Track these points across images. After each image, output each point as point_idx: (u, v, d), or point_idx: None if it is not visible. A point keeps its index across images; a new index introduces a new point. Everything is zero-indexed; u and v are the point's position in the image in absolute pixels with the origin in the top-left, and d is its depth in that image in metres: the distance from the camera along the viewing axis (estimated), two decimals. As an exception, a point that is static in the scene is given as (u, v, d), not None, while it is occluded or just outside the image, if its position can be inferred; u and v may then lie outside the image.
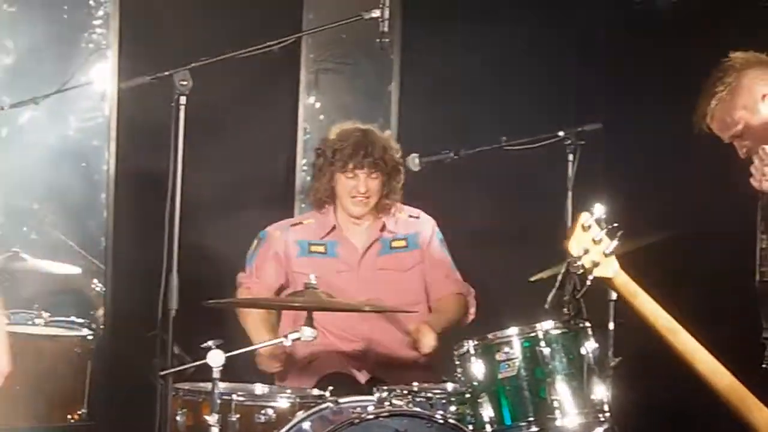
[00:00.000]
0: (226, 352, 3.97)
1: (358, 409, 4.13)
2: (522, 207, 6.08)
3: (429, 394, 4.29)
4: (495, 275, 5.85)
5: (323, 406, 4.21)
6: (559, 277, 3.95)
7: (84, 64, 5.92)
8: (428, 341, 4.93)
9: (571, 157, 4.89)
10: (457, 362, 4.35)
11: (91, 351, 5.31)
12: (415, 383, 4.31)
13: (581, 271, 3.67)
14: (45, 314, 5.35)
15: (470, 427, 4.18)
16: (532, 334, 4.24)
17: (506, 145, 5.06)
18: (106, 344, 5.65)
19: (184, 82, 4.21)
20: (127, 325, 5.62)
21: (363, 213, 5.13)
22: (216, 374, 3.96)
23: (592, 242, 3.65)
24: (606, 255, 3.68)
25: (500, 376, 4.24)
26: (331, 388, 4.34)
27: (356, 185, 5.07)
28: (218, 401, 3.99)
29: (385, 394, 4.19)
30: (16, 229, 5.91)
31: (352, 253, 5.15)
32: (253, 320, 5.03)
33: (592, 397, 4.16)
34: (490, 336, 4.29)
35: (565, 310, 4.06)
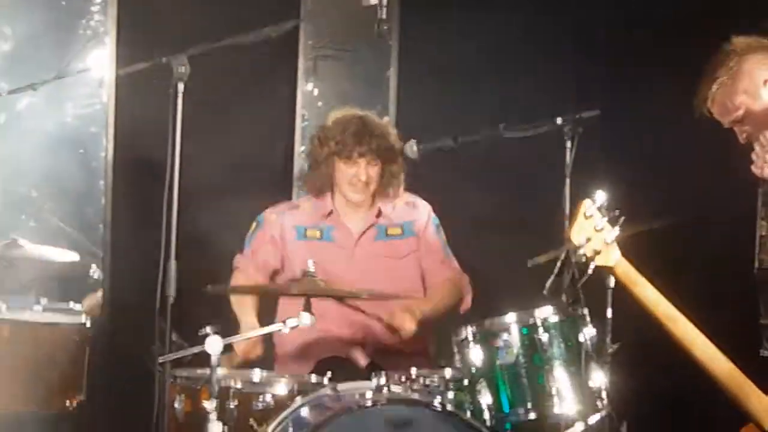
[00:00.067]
0: (224, 338, 3.97)
1: (357, 396, 4.13)
2: (520, 194, 6.08)
3: (427, 381, 4.29)
4: (493, 262, 5.85)
5: (321, 392, 4.22)
6: (558, 264, 3.95)
7: (82, 51, 5.91)
8: (406, 325, 4.90)
9: (569, 144, 4.88)
10: (456, 349, 4.36)
11: (89, 338, 5.31)
12: (414, 370, 4.31)
13: (583, 259, 3.68)
14: (43, 301, 5.35)
15: (468, 413, 4.18)
16: (531, 321, 4.25)
17: (504, 132, 5.05)
18: (105, 331, 5.65)
19: (182, 69, 4.21)
20: (125, 311, 5.62)
21: (362, 200, 5.13)
22: (214, 361, 3.96)
23: (593, 230, 3.66)
24: (608, 243, 3.69)
25: (498, 362, 4.25)
26: (329, 373, 4.34)
27: (357, 173, 5.07)
28: (216, 388, 3.99)
29: (383, 381, 4.19)
30: (14, 216, 5.91)
31: (347, 237, 5.15)
32: (241, 301, 5.01)
33: (590, 383, 4.17)
34: (488, 323, 4.29)
35: (564, 297, 4.07)
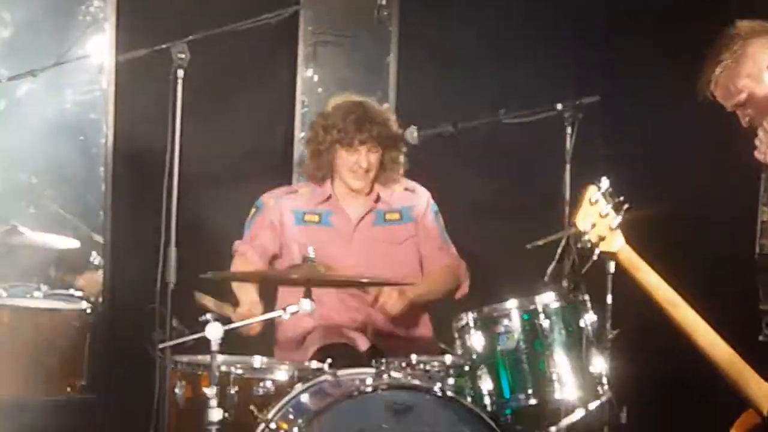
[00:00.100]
0: (224, 325, 3.98)
1: (357, 382, 4.13)
2: (520, 180, 6.08)
3: (428, 367, 4.30)
4: (493, 248, 5.86)
5: (321, 378, 4.22)
6: (559, 251, 3.96)
7: (81, 37, 5.90)
8: (389, 302, 4.90)
9: (569, 130, 4.88)
10: (457, 335, 4.36)
11: (89, 324, 5.32)
12: (414, 356, 4.32)
13: (588, 245, 3.69)
14: (44, 287, 5.36)
15: (469, 399, 4.19)
16: (532, 307, 4.24)
17: (504, 118, 5.05)
18: (105, 317, 5.65)
19: (182, 55, 4.20)
20: (125, 298, 5.63)
21: (363, 186, 5.13)
22: (214, 347, 3.96)
23: (598, 216, 3.67)
24: (612, 229, 3.69)
25: (499, 348, 4.25)
26: (329, 360, 4.34)
27: (358, 160, 5.07)
28: (217, 374, 4.00)
29: (383, 367, 4.19)
30: (14, 202, 5.91)
31: (345, 223, 5.15)
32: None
33: (591, 369, 4.17)
34: (489, 309, 4.30)
35: (565, 283, 4.07)
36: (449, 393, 4.11)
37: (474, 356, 4.26)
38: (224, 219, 5.65)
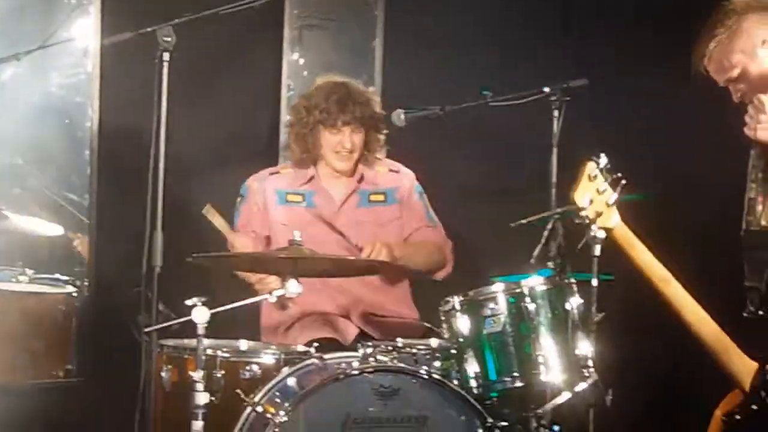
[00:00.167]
0: (210, 308, 3.97)
1: (343, 365, 4.14)
2: (507, 162, 6.07)
3: (414, 350, 4.30)
4: (480, 230, 5.85)
5: (308, 362, 4.22)
6: (545, 233, 3.97)
7: (66, 20, 5.86)
8: (369, 247, 4.90)
9: (556, 113, 4.88)
10: (443, 318, 4.36)
11: (75, 308, 5.30)
12: (400, 339, 4.32)
13: (586, 221, 3.71)
14: (29, 271, 5.33)
15: (455, 382, 4.19)
16: (518, 290, 4.25)
17: (492, 100, 5.04)
18: (91, 301, 5.64)
19: (168, 39, 4.18)
20: (111, 282, 5.61)
21: (347, 167, 5.13)
22: (201, 330, 3.96)
23: (596, 192, 3.69)
24: (609, 205, 3.72)
25: (485, 331, 4.26)
26: (316, 344, 4.34)
27: (341, 140, 5.07)
28: (203, 357, 3.99)
29: (369, 350, 4.19)
30: (-1, 185, 5.88)
31: (329, 203, 5.15)
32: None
33: (577, 352, 4.18)
34: (475, 292, 4.30)
35: (551, 264, 4.08)
36: (435, 376, 4.12)
37: (460, 339, 4.27)
38: (210, 202, 5.63)
